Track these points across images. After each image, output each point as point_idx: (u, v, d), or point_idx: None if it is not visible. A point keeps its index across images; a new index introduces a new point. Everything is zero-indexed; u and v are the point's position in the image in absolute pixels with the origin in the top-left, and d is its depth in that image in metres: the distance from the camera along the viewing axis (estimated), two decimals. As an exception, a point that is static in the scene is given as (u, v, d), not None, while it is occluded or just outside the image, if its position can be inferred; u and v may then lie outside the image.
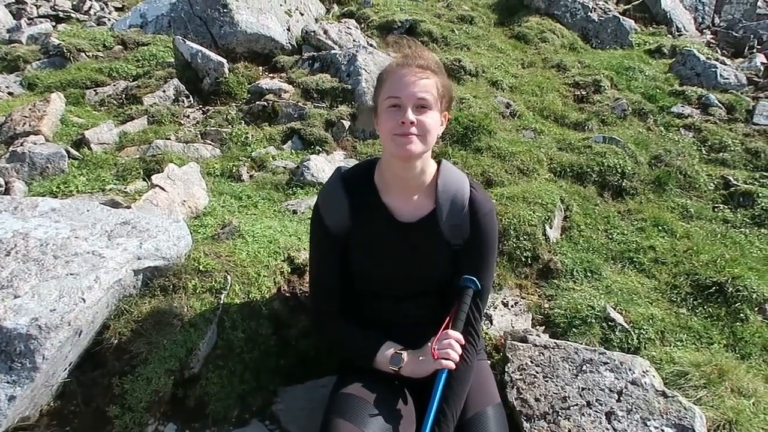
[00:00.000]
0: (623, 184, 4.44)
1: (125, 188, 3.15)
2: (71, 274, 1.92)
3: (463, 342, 1.74)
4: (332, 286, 1.90)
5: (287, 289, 2.47)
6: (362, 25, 6.98)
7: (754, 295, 3.21)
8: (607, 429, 2.07)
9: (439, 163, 1.87)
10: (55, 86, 4.79)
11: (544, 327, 2.98)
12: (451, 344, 1.69)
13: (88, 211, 2.29)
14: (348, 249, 1.86)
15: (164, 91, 4.73)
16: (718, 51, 7.92)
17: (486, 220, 1.81)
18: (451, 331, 1.73)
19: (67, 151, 3.52)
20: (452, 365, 1.68)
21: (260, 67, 5.45)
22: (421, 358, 1.75)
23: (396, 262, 1.84)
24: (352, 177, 1.84)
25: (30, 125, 3.80)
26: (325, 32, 6.06)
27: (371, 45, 6.09)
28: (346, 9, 7.64)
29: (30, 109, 3.97)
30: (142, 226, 2.24)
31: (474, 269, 1.81)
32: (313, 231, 1.91)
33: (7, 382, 1.67)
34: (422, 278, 1.87)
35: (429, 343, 1.74)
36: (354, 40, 6.13)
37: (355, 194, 1.81)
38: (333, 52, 5.24)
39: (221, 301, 2.19)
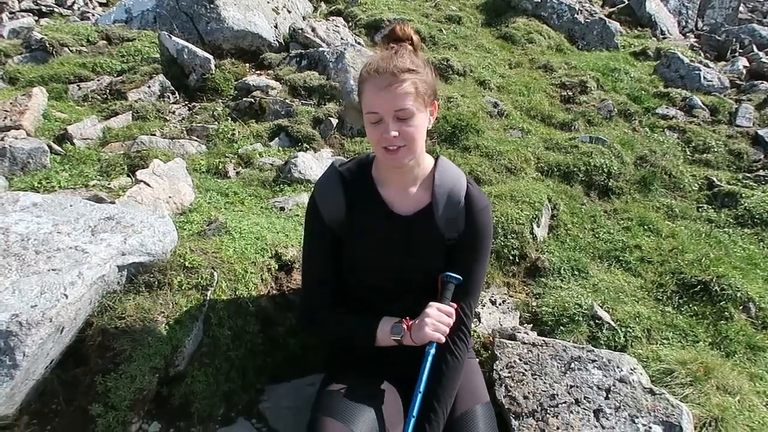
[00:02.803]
0: (609, 183, 4.47)
1: (109, 184, 3.10)
2: (53, 270, 1.88)
3: (453, 313, 1.73)
4: (326, 280, 1.88)
5: (275, 287, 2.44)
6: (350, 24, 6.95)
7: (738, 294, 3.24)
8: (596, 426, 2.07)
9: (436, 159, 1.88)
10: (37, 81, 4.69)
11: (531, 325, 2.98)
12: (441, 318, 1.69)
13: (71, 206, 2.24)
14: (343, 242, 1.85)
15: (149, 87, 4.66)
16: (702, 54, 8.01)
17: (481, 216, 1.82)
18: (439, 304, 1.72)
19: (49, 146, 3.45)
20: (442, 338, 1.68)
21: (247, 64, 5.39)
22: (415, 324, 1.73)
23: (391, 255, 1.83)
24: (348, 170, 1.84)
25: (11, 120, 3.71)
26: (313, 30, 6.03)
27: (359, 43, 6.07)
28: (333, 7, 7.60)
29: (11, 103, 3.88)
30: (126, 222, 2.20)
31: (467, 264, 1.81)
32: (309, 224, 1.89)
33: (-14, 380, 1.63)
34: (416, 271, 1.85)
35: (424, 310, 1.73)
36: (342, 38, 6.10)
37: (352, 187, 1.81)
38: (321, 49, 5.21)
39: (207, 298, 2.16)
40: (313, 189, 1.87)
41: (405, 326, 1.73)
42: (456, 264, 1.82)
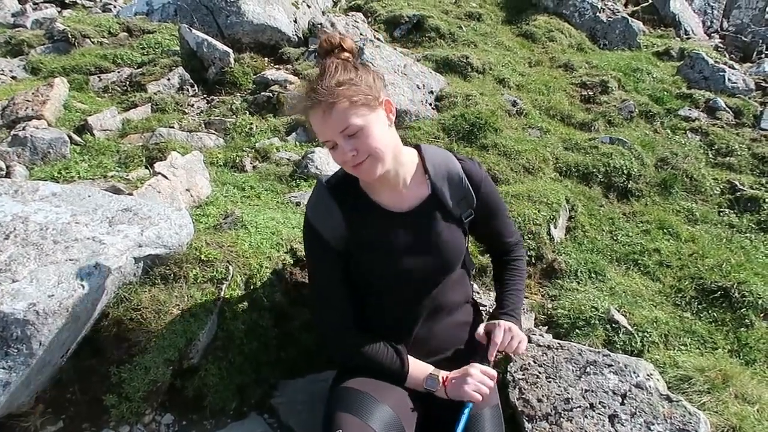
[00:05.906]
0: (629, 185, 4.41)
1: (127, 175, 3.12)
2: (71, 260, 1.89)
3: (495, 377, 1.75)
4: (342, 300, 1.80)
5: (289, 281, 2.43)
6: (369, 19, 6.93)
7: (760, 301, 3.17)
8: (610, 432, 2.04)
9: (418, 148, 1.82)
10: (59, 71, 4.75)
11: (546, 327, 2.95)
12: (484, 381, 1.70)
13: (89, 196, 2.25)
14: (352, 257, 1.78)
15: (169, 80, 4.69)
16: (726, 55, 7.86)
17: (486, 184, 1.86)
18: (483, 366, 1.74)
19: (70, 137, 3.49)
20: (480, 400, 1.68)
21: (266, 58, 5.41)
22: (453, 380, 1.72)
23: (408, 254, 1.77)
24: (337, 184, 1.77)
25: (32, 110, 3.76)
26: (332, 25, 6.02)
27: (378, 39, 6.05)
28: (353, 2, 7.59)
29: (33, 93, 3.93)
30: (143, 214, 2.20)
31: (500, 230, 1.98)
32: (310, 247, 1.82)
33: (3, 368, 1.64)
34: (439, 262, 1.80)
35: (466, 368, 1.74)
36: (361, 34, 6.09)
37: (346, 201, 1.74)
38: (340, 44, 5.19)
39: (222, 292, 2.16)
40: (305, 212, 1.79)
41: (440, 379, 1.73)
42: (492, 236, 2.00)
